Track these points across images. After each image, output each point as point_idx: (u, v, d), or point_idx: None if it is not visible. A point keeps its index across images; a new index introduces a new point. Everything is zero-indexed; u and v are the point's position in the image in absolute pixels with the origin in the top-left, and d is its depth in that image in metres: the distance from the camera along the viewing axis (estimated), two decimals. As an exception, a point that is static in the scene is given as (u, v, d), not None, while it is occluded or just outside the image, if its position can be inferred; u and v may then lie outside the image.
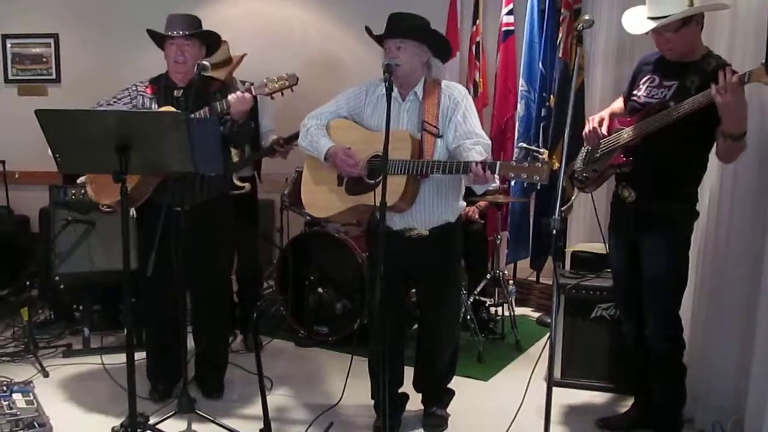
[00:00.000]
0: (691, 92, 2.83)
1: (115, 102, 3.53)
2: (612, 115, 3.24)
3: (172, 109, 3.40)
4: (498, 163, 2.76)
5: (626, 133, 3.05)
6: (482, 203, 4.79)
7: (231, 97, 3.36)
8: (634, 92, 3.15)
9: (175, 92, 3.52)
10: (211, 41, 3.65)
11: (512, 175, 2.74)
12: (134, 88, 3.58)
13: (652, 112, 2.95)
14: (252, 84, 4.54)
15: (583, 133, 3.25)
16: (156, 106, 3.49)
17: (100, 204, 3.71)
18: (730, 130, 2.73)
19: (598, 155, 3.20)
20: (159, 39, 3.54)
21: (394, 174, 2.91)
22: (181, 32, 3.48)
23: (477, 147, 2.97)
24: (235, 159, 4.26)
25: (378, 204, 2.71)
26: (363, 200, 3.10)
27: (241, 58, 4.53)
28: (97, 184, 3.51)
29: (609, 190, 3.33)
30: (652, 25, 2.88)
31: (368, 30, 3.12)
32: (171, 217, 3.30)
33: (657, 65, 3.10)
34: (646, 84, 3.10)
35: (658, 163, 2.97)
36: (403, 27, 3.05)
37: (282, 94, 3.46)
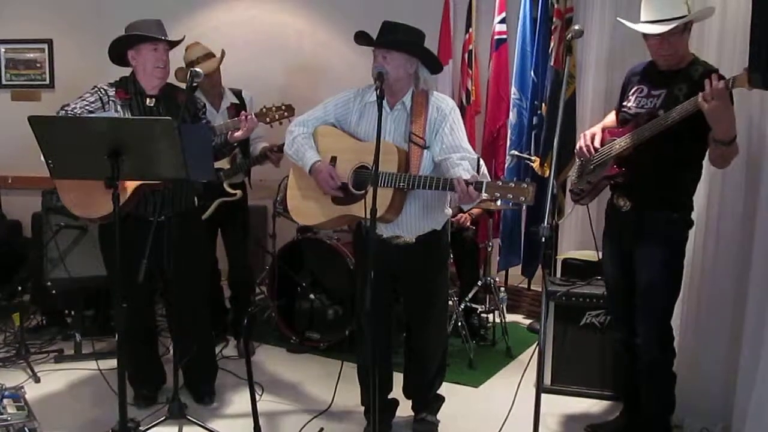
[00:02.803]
0: (680, 100, 2.84)
1: (86, 106, 3.38)
2: (604, 129, 3.26)
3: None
4: (484, 182, 2.76)
5: (618, 144, 3.07)
6: (474, 210, 4.81)
7: (243, 125, 3.45)
8: (624, 103, 3.17)
9: (148, 100, 3.46)
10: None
11: (498, 195, 2.74)
12: (103, 92, 3.44)
13: (642, 122, 2.97)
14: (242, 91, 4.63)
15: (576, 150, 3.27)
16: (131, 112, 3.42)
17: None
18: (720, 136, 2.75)
19: (591, 167, 3.22)
20: (136, 41, 3.42)
21: (381, 186, 2.90)
22: (167, 38, 3.47)
23: (464, 163, 2.98)
24: (227, 167, 4.29)
25: (365, 214, 2.73)
26: (350, 211, 3.11)
27: (223, 54, 4.56)
28: (78, 201, 3.42)
29: (603, 199, 3.35)
30: (668, 26, 2.85)
31: (359, 35, 3.10)
32: (153, 228, 3.28)
33: (644, 75, 3.13)
34: (635, 95, 3.12)
35: (651, 172, 2.99)
36: (392, 39, 3.06)
37: (280, 123, 3.51)
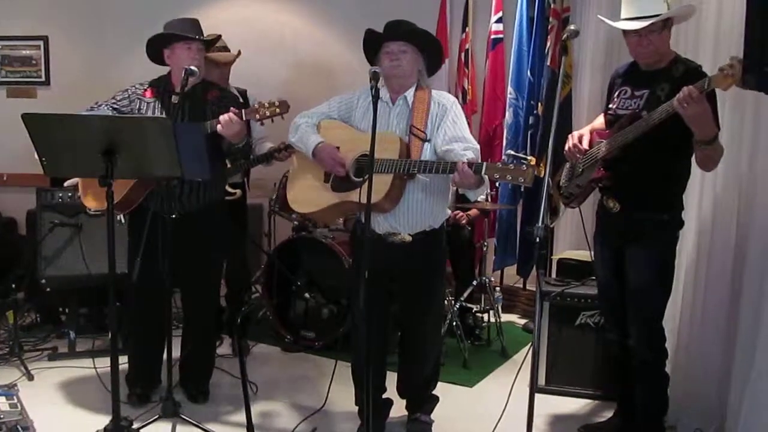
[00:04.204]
0: (662, 100, 2.85)
1: (114, 104, 3.49)
2: (592, 131, 3.27)
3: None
4: (484, 164, 2.79)
5: (604, 147, 3.07)
6: (471, 212, 4.82)
7: (221, 118, 3.31)
8: (610, 105, 3.19)
9: (173, 98, 3.45)
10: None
11: (497, 176, 2.76)
12: (133, 90, 3.54)
13: (625, 124, 2.98)
14: (246, 91, 4.62)
15: (564, 151, 3.28)
16: (153, 111, 3.47)
17: (91, 209, 3.71)
18: (700, 137, 2.77)
19: (580, 170, 3.24)
20: (170, 40, 3.45)
21: (381, 172, 2.94)
22: (202, 37, 3.50)
23: (468, 152, 2.99)
24: (228, 166, 4.27)
25: (362, 201, 2.73)
26: (347, 197, 3.12)
27: (239, 53, 4.56)
28: (92, 190, 3.47)
29: (596, 199, 3.36)
30: (645, 23, 2.87)
31: (370, 32, 3.15)
32: (161, 224, 3.30)
33: (627, 76, 3.15)
34: (620, 96, 3.13)
35: (639, 173, 2.99)
36: (407, 30, 3.10)
37: (272, 121, 3.43)
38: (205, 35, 3.61)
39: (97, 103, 3.52)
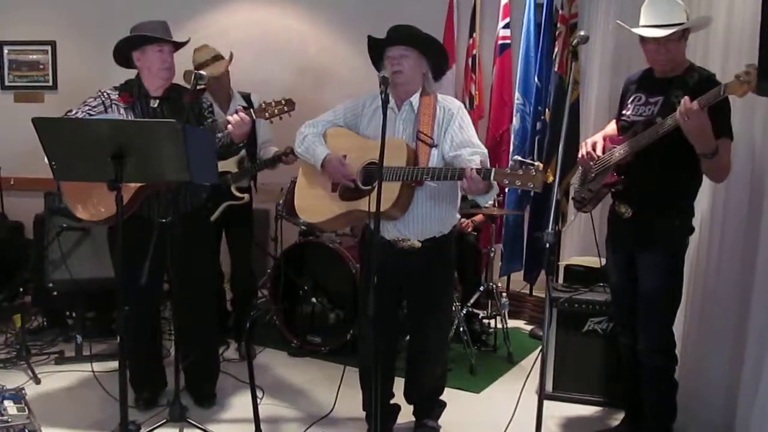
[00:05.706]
0: (676, 107, 2.84)
1: (89, 111, 3.40)
2: (605, 137, 3.27)
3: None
4: (493, 169, 2.78)
5: (617, 152, 3.09)
6: (477, 217, 4.81)
7: (231, 118, 3.33)
8: (623, 112, 3.20)
9: (152, 102, 3.46)
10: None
11: (506, 182, 2.75)
12: (106, 96, 3.44)
13: (639, 130, 2.99)
14: (250, 94, 4.62)
15: (578, 158, 3.29)
16: (135, 115, 3.42)
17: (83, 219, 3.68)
18: (700, 150, 2.78)
19: (592, 176, 3.24)
20: (141, 42, 3.42)
21: (389, 180, 2.92)
22: (172, 39, 3.46)
23: (475, 157, 2.99)
24: (235, 170, 4.28)
25: (371, 209, 2.73)
26: (356, 206, 3.12)
27: (231, 56, 4.56)
28: (77, 199, 3.45)
29: (606, 205, 3.35)
30: (667, 32, 2.88)
31: (371, 38, 3.15)
32: (157, 229, 3.28)
33: (641, 83, 3.16)
34: (633, 102, 3.14)
35: (651, 178, 3.00)
36: (408, 33, 3.09)
37: (281, 118, 3.46)
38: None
39: (72, 111, 3.44)
